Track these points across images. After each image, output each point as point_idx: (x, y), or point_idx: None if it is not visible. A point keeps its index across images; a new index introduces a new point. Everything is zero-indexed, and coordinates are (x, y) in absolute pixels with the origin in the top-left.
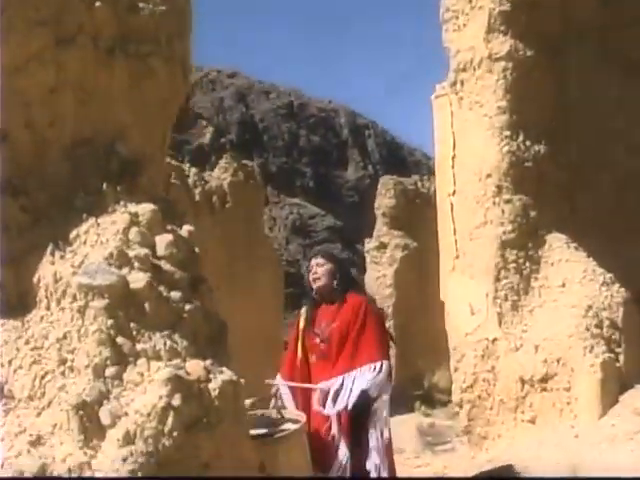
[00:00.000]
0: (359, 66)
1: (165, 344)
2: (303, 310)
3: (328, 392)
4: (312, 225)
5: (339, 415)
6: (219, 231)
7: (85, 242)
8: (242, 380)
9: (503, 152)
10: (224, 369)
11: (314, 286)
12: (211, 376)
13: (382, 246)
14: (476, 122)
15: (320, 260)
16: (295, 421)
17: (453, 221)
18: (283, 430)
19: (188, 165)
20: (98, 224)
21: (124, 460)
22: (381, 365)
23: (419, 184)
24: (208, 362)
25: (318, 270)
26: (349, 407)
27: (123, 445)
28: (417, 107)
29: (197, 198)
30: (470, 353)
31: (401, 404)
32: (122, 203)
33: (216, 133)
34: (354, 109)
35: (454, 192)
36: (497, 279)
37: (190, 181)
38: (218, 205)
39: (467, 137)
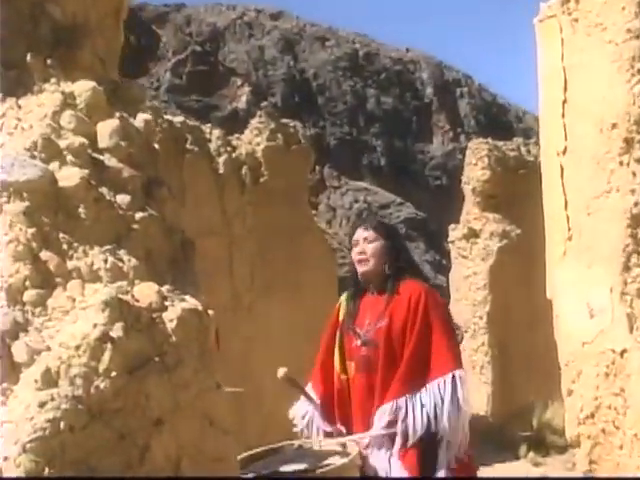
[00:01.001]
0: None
1: (106, 262)
2: (343, 298)
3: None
4: (385, 217)
5: (403, 454)
6: (250, 214)
7: (1, 128)
8: (211, 312)
9: (634, 93)
10: (187, 297)
11: (359, 270)
12: (168, 303)
13: (472, 234)
14: (597, 52)
15: (369, 233)
16: (344, 453)
17: (564, 190)
18: (329, 465)
19: (209, 126)
20: (19, 106)
21: (41, 406)
22: (454, 378)
23: (523, 150)
24: (165, 287)
25: (366, 248)
26: (413, 440)
27: (42, 387)
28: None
29: (221, 170)
30: (589, 371)
31: (501, 448)
32: (53, 80)
33: (254, 94)
34: (441, 59)
35: (565, 150)
36: (626, 268)
37: (212, 147)
38: (250, 179)
39: (584, 73)
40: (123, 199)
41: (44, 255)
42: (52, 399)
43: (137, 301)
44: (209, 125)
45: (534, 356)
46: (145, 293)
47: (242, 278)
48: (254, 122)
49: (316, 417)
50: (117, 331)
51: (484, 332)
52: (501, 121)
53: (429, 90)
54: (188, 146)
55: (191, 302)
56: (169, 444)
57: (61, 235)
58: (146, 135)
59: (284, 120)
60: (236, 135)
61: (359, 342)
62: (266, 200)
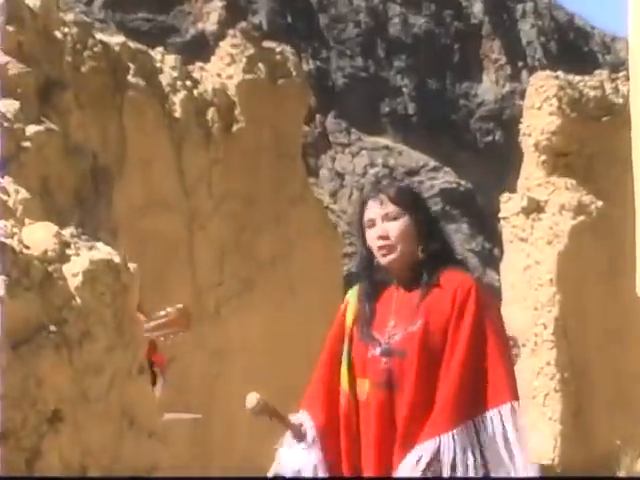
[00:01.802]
0: None
1: None
2: (351, 295)
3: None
4: (414, 187)
5: None
6: (219, 179)
7: None
8: (132, 266)
9: None
10: (98, 244)
11: (383, 260)
12: (70, 252)
13: (534, 208)
14: None
15: (389, 208)
16: None
17: None
18: None
19: (161, 50)
20: None
21: None
22: (512, 409)
23: (608, 87)
24: (68, 230)
25: (389, 229)
26: None
27: None
28: None
29: (177, 113)
30: None
31: None
32: None
33: (229, 11)
34: None
35: None
36: None
37: (164, 81)
38: (218, 128)
39: None
40: (9, 106)
41: None
42: None
43: (27, 247)
44: (161, 49)
45: (621, 380)
46: (38, 237)
47: (207, 270)
48: (225, 45)
49: (320, 469)
50: None
51: (550, 347)
52: (580, 51)
53: (478, 7)
54: (130, 78)
55: (104, 251)
56: (69, 448)
57: None
58: (44, 20)
59: (268, 43)
60: (199, 64)
61: (378, 351)
62: (242, 159)
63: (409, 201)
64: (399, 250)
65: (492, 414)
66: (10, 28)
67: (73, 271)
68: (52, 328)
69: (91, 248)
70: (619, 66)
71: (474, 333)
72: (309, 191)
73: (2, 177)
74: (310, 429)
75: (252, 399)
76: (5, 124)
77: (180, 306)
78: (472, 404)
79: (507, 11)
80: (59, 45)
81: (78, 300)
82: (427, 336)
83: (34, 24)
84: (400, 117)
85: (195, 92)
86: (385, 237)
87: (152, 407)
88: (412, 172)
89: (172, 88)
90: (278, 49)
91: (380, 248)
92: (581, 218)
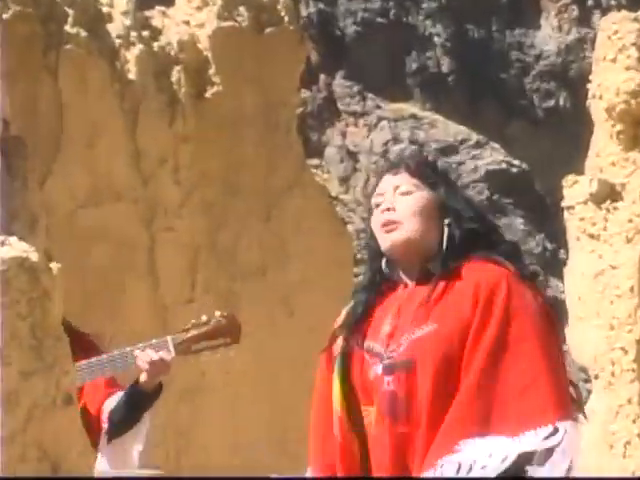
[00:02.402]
0: None
1: None
2: (347, 310)
3: None
4: (448, 168)
5: None
6: (188, 160)
7: None
8: (55, 266)
9: None
10: (11, 239)
11: (384, 241)
12: None
13: (608, 194)
14: None
15: (402, 179)
16: None
17: None
18: None
19: None
20: None
21: None
22: (556, 432)
23: None
24: None
25: (398, 202)
26: None
27: None
28: None
29: (131, 74)
30: None
31: None
32: None
33: None
34: None
35: None
36: None
37: (114, 31)
38: (186, 93)
39: None
40: None
41: None
42: None
43: None
44: None
45: None
46: None
47: (174, 282)
48: None
49: None
50: None
51: (631, 379)
52: None
53: None
54: (69, 29)
55: (18, 247)
56: None
57: None
58: None
59: None
60: (159, 8)
61: (380, 369)
62: (218, 135)
63: (431, 173)
64: (406, 229)
65: (529, 435)
66: None
67: None
68: None
69: (2, 243)
70: None
71: (499, 339)
72: (309, 176)
73: None
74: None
75: None
76: None
77: (226, 313)
78: (493, 424)
79: None
80: None
81: None
82: (441, 343)
83: None
84: (431, 77)
85: (155, 46)
86: (390, 209)
87: (83, 449)
88: (448, 149)
89: (124, 41)
90: None
91: (383, 225)
92: None
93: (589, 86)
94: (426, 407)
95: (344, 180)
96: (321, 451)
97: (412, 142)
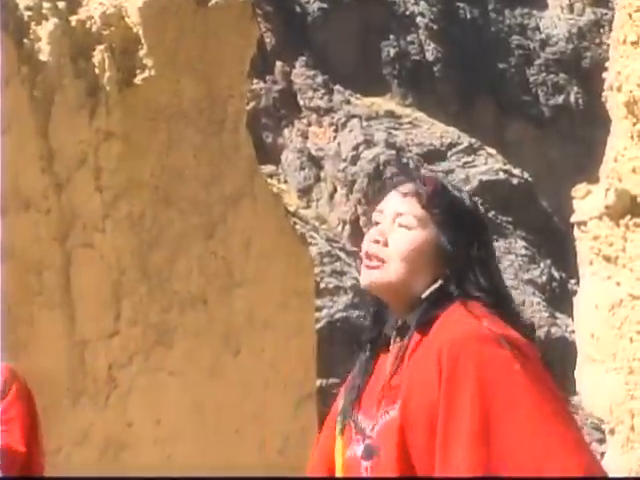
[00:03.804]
0: None
1: None
2: (359, 361)
3: None
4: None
5: None
6: (115, 160)
7: None
8: None
9: None
10: None
11: (362, 277)
12: None
13: (627, 207)
14: None
15: (409, 207)
16: None
17: None
18: None
19: None
20: None
21: None
22: None
23: None
24: None
25: (394, 235)
26: None
27: None
28: None
29: (44, 55)
30: None
31: None
32: None
33: None
34: None
35: None
36: None
37: (22, 1)
38: (112, 77)
39: None
40: None
41: None
42: None
43: None
44: None
45: None
46: None
47: (93, 313)
48: None
49: None
50: None
51: None
52: None
53: None
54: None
55: None
56: None
57: None
58: None
59: None
60: None
61: (360, 450)
62: (150, 131)
63: (447, 210)
64: (393, 272)
65: None
66: None
67: None
68: None
69: None
70: None
71: (477, 425)
72: (260, 183)
73: None
74: None
75: None
76: None
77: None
78: None
79: None
80: None
81: None
82: (404, 433)
83: None
84: (413, 66)
85: (72, 20)
86: (382, 243)
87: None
88: (433, 155)
89: (35, 14)
90: None
91: (366, 257)
92: None
93: (605, 75)
94: None
95: (305, 192)
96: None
97: (389, 145)
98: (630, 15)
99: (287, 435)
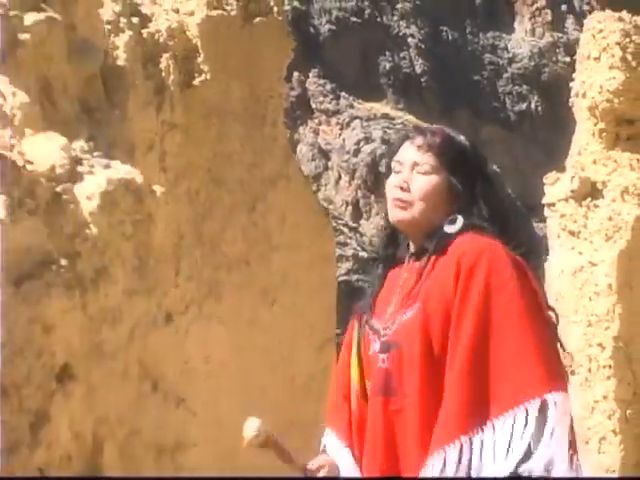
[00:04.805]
0: None
1: None
2: (372, 278)
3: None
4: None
5: None
6: (175, 147)
7: None
8: (159, 189)
9: None
10: (114, 162)
11: (393, 216)
12: (83, 169)
13: (589, 192)
14: None
15: (425, 157)
16: None
17: None
18: None
19: None
20: None
21: None
22: (546, 405)
23: None
24: (78, 144)
25: (414, 181)
26: None
27: None
28: None
29: (121, 61)
30: None
31: None
32: None
33: None
34: None
35: None
36: None
37: (103, 16)
38: (175, 80)
39: None
40: None
41: None
42: None
43: (30, 162)
44: None
45: None
46: (43, 150)
47: (162, 265)
48: None
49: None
50: None
51: (607, 376)
52: None
53: None
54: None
55: (123, 170)
56: (81, 414)
57: None
58: None
59: None
60: None
61: (377, 346)
62: (205, 123)
63: (454, 156)
64: (417, 210)
65: (516, 412)
66: None
67: (87, 193)
68: (62, 262)
69: (106, 166)
70: None
71: (482, 320)
72: (294, 167)
73: None
74: (346, 454)
75: (252, 427)
76: None
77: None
78: (483, 403)
79: None
80: None
81: (93, 229)
82: (427, 324)
83: None
84: (404, 77)
85: (144, 33)
86: (405, 189)
87: (180, 368)
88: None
89: (113, 27)
90: None
91: (394, 200)
92: None
93: (572, 84)
94: (417, 385)
95: (315, 178)
96: (339, 418)
97: (384, 142)
98: (594, 36)
99: (312, 373)
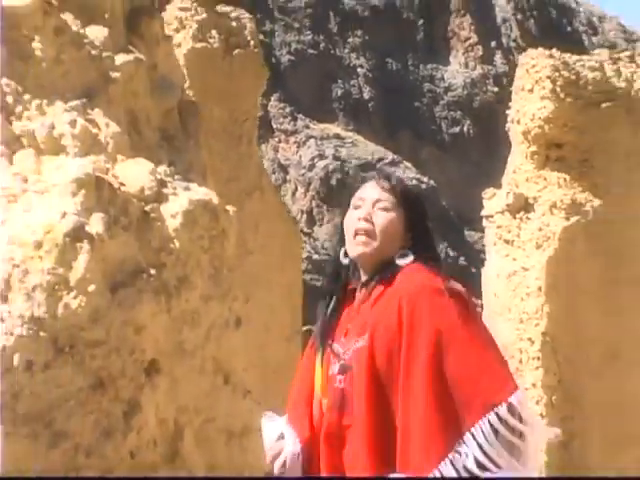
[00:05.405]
0: None
1: (74, 125)
2: (320, 306)
3: None
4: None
5: None
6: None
7: None
8: (231, 208)
9: None
10: (192, 185)
11: (354, 250)
12: (168, 191)
13: (522, 205)
14: None
15: (387, 196)
16: None
17: None
18: None
19: None
20: None
21: None
22: (510, 406)
23: (609, 69)
24: (162, 168)
25: (376, 216)
26: None
27: None
28: None
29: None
30: None
31: None
32: None
33: None
34: None
35: None
36: None
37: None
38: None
39: None
40: (98, 33)
41: None
42: (0, 319)
43: (122, 184)
44: None
45: (620, 408)
46: (133, 173)
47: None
48: (172, 8)
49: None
50: (96, 225)
51: (536, 366)
52: (563, 31)
53: None
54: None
55: (201, 191)
56: (165, 403)
57: (4, 82)
58: None
59: (222, 7)
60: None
61: (337, 368)
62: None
63: (409, 198)
64: (377, 243)
65: (481, 423)
66: None
67: (172, 212)
68: (151, 272)
69: (186, 188)
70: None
71: (433, 342)
72: (266, 181)
73: (91, 109)
74: (295, 444)
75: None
76: (93, 52)
77: None
78: (453, 427)
79: None
80: None
81: (176, 243)
82: (372, 353)
83: None
84: (354, 102)
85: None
86: (368, 221)
87: (247, 365)
88: (367, 166)
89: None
90: (234, 14)
91: (356, 233)
92: (575, 219)
93: (508, 112)
94: (364, 408)
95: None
96: (301, 426)
97: (335, 158)
98: (527, 70)
99: (282, 360)
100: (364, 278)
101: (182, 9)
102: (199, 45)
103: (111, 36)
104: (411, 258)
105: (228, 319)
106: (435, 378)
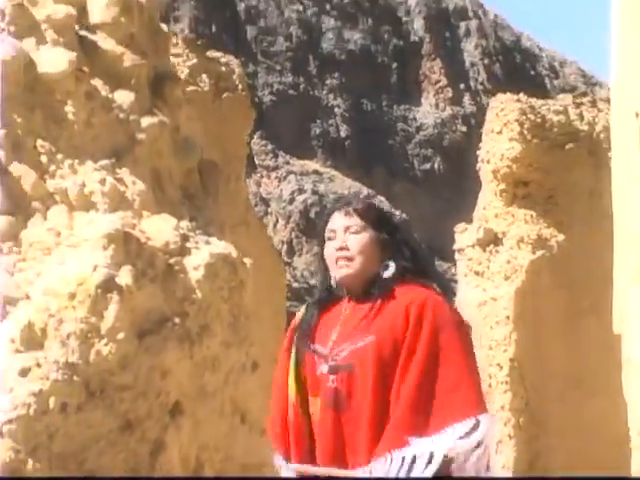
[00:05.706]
0: None
1: (104, 183)
2: (301, 310)
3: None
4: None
5: None
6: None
7: None
8: (248, 261)
9: None
10: (212, 239)
11: (338, 273)
12: (190, 245)
13: (492, 240)
14: None
15: (353, 221)
16: None
17: None
18: None
19: None
20: None
21: (23, 374)
22: (477, 424)
23: (573, 113)
24: (184, 223)
25: (350, 241)
26: None
27: (22, 349)
28: None
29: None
30: None
31: None
32: None
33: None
34: None
35: None
36: None
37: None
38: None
39: None
40: (125, 97)
41: (15, 169)
42: (37, 365)
43: (149, 239)
44: None
45: (583, 430)
46: (158, 229)
47: None
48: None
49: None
50: (125, 277)
51: (504, 390)
52: (527, 74)
53: (419, 24)
54: None
55: (221, 245)
56: (188, 442)
57: (39, 143)
58: (149, 10)
59: (212, 53)
60: None
61: (325, 369)
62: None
63: (375, 216)
64: (358, 263)
65: (455, 426)
66: (122, 19)
67: (194, 264)
68: (175, 320)
69: (207, 242)
70: (568, 92)
71: (429, 350)
72: (252, 214)
73: (119, 168)
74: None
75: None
76: (120, 115)
77: None
78: (425, 421)
79: (450, 29)
80: (165, 38)
81: (198, 293)
82: (379, 351)
83: (142, 15)
84: (331, 140)
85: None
86: (344, 248)
87: (262, 405)
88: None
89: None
90: (223, 60)
91: (338, 259)
92: (541, 252)
93: (479, 152)
94: (370, 400)
95: None
96: (280, 429)
97: (314, 192)
98: (497, 114)
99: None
100: (354, 295)
101: (175, 55)
102: (190, 89)
103: (137, 100)
104: (393, 268)
105: (245, 363)
106: (425, 376)
